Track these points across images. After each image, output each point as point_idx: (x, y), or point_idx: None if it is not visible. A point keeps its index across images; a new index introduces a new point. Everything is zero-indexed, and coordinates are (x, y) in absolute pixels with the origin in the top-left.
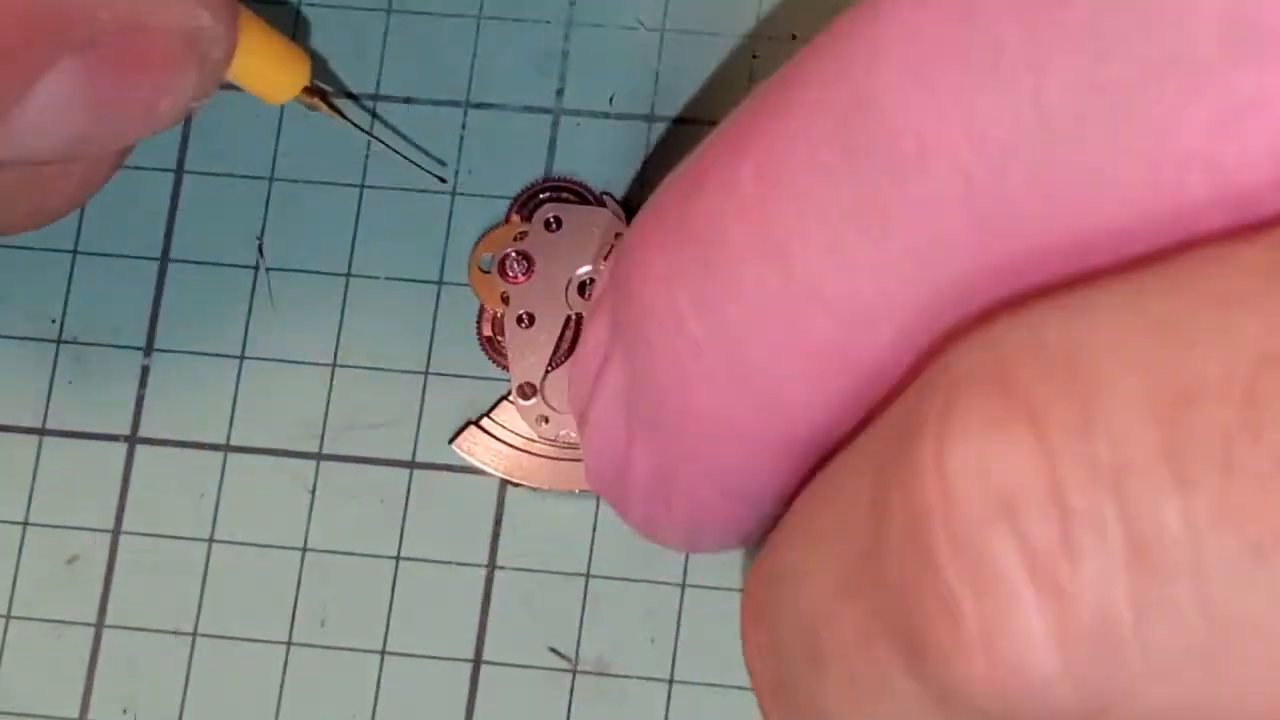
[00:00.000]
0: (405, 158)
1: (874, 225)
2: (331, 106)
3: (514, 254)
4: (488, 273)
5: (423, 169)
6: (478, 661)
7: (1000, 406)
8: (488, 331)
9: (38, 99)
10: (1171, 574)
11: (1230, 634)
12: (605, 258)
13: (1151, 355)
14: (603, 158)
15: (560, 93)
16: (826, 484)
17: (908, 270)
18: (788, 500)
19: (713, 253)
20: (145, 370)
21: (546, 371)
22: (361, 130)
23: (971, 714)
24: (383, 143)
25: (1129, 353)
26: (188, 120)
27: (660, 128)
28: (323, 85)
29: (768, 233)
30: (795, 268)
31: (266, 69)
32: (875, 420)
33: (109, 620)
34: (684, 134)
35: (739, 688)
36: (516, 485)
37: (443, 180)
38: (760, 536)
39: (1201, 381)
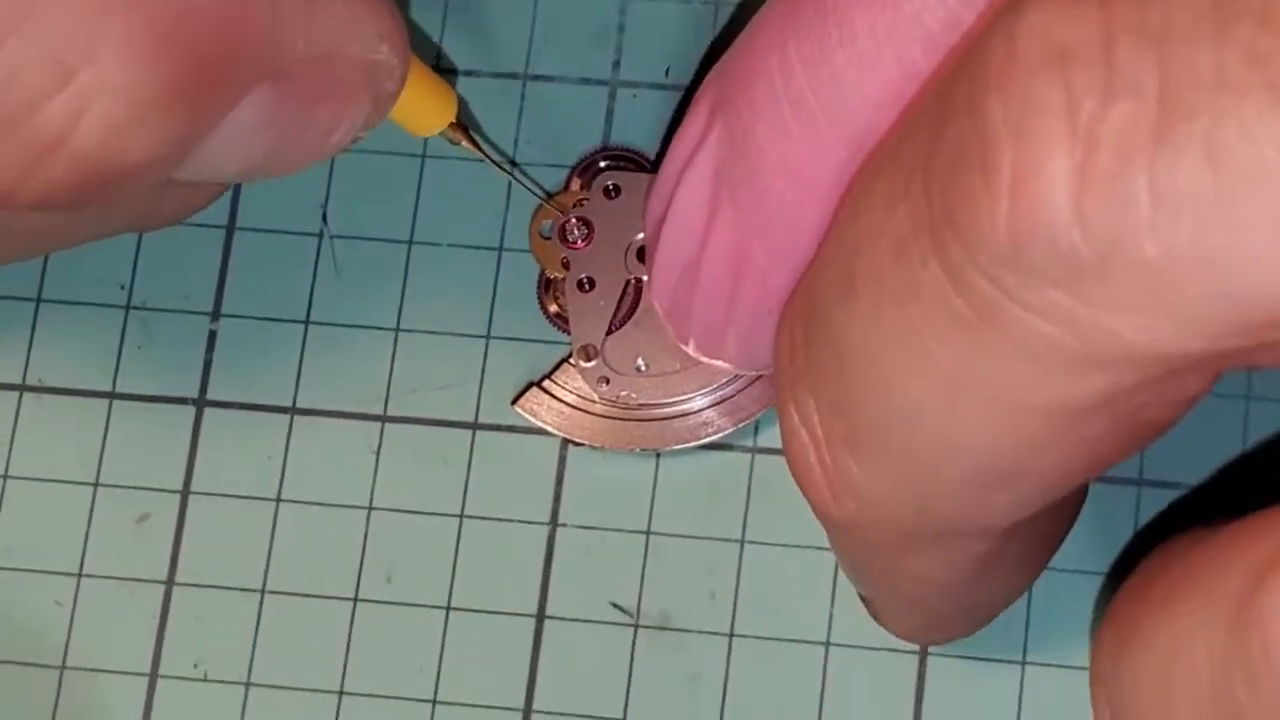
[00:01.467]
0: (540, 196)
1: None
2: (474, 142)
3: (575, 220)
4: (548, 239)
5: (548, 203)
6: (541, 617)
7: None
8: (548, 296)
9: (230, 124)
10: (1191, 119)
11: (1236, 180)
12: None
13: None
14: (659, 128)
15: (616, 65)
16: (892, 132)
17: None
18: None
19: (827, 6)
20: (213, 335)
21: (607, 334)
22: (502, 169)
23: (981, 278)
24: (523, 184)
25: None
26: None
27: None
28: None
29: None
30: (904, 7)
31: (419, 104)
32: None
33: (179, 578)
34: None
35: (799, 641)
36: (578, 444)
37: (550, 195)
38: None
39: None
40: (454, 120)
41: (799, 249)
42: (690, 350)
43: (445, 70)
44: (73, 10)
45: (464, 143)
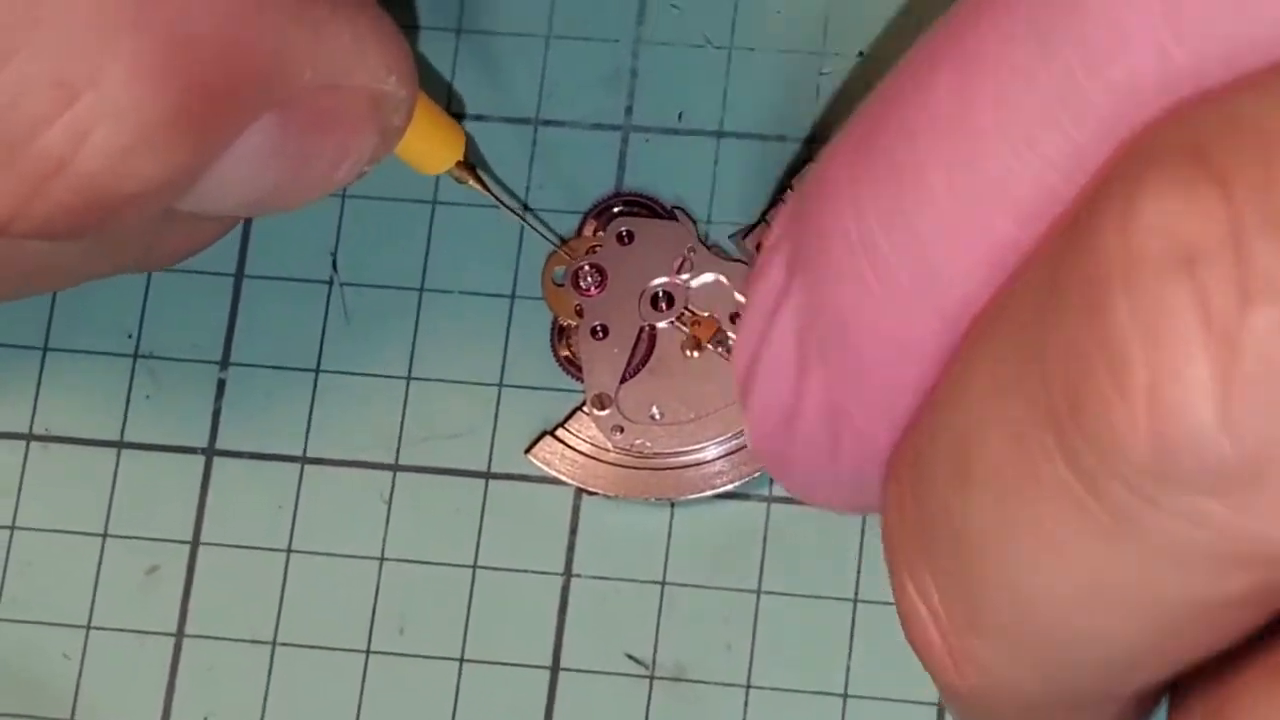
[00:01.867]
0: (549, 239)
1: (1067, 116)
2: (481, 182)
3: (588, 266)
4: (561, 285)
5: (559, 247)
6: (555, 668)
7: (1191, 171)
8: (561, 344)
9: (236, 153)
10: None
11: None
12: (678, 270)
13: None
14: (672, 173)
15: (629, 110)
16: (995, 306)
17: (1099, 155)
18: None
19: (902, 165)
20: (222, 384)
21: (621, 382)
22: (511, 210)
23: (1121, 486)
24: (532, 226)
25: None
26: None
27: (729, 143)
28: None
29: (959, 138)
30: (988, 169)
31: (426, 140)
32: (1050, 236)
33: (189, 630)
34: (753, 149)
35: (817, 693)
36: (592, 494)
37: (563, 240)
38: None
39: None
40: (461, 159)
41: (897, 410)
42: (797, 495)
43: (456, 114)
44: (78, 31)
45: (471, 182)
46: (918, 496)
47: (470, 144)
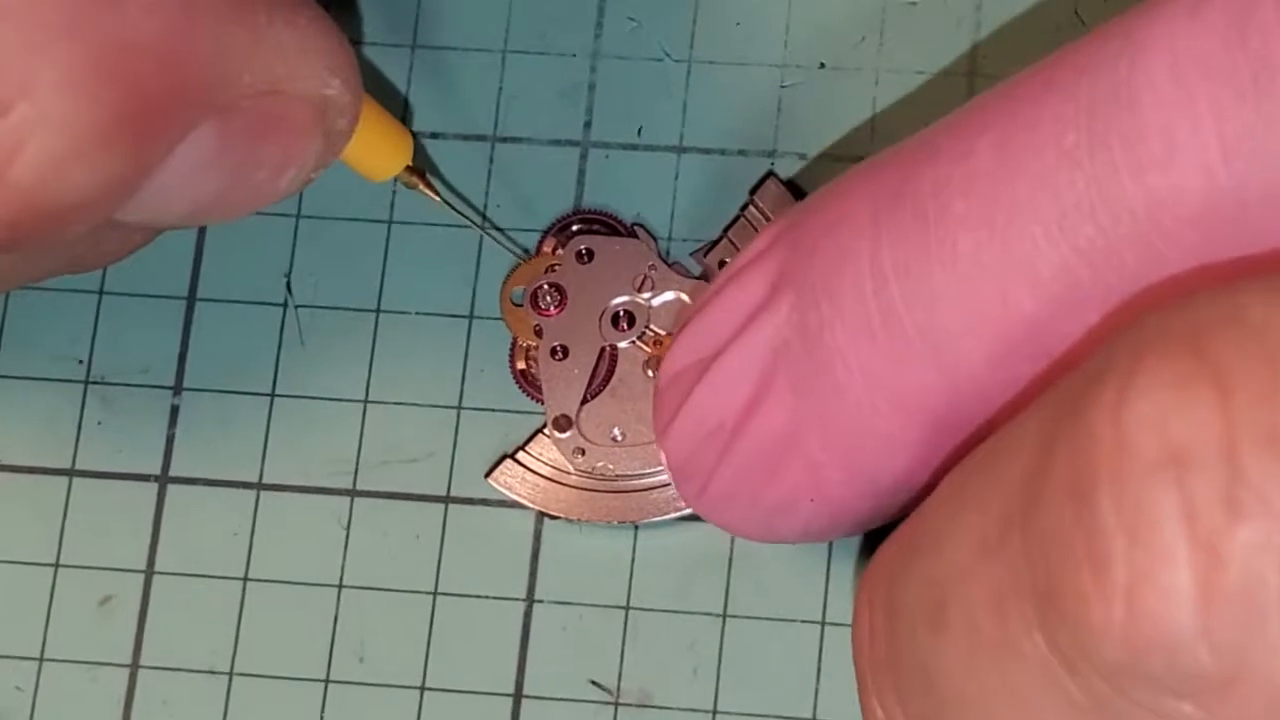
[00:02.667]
0: (500, 241)
1: (1104, 212)
2: (430, 186)
3: (546, 286)
4: (520, 305)
5: (510, 248)
6: (518, 696)
7: (1189, 366)
8: (521, 364)
9: (175, 162)
10: None
11: None
12: (639, 288)
13: None
14: (632, 189)
15: (588, 125)
16: (983, 453)
17: (1128, 263)
18: (908, 491)
19: (930, 218)
20: (175, 409)
21: (582, 403)
22: (460, 214)
23: (1096, 675)
24: (489, 234)
25: None
26: None
27: (690, 158)
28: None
29: (994, 206)
30: (1015, 244)
31: (374, 146)
32: (1048, 390)
33: (144, 660)
34: (713, 164)
35: (785, 718)
36: (554, 518)
37: (526, 252)
38: (837, 534)
39: None
40: (410, 163)
41: (866, 456)
42: (694, 509)
43: (411, 132)
44: (9, 41)
45: (421, 187)
46: (890, 626)
47: (427, 162)
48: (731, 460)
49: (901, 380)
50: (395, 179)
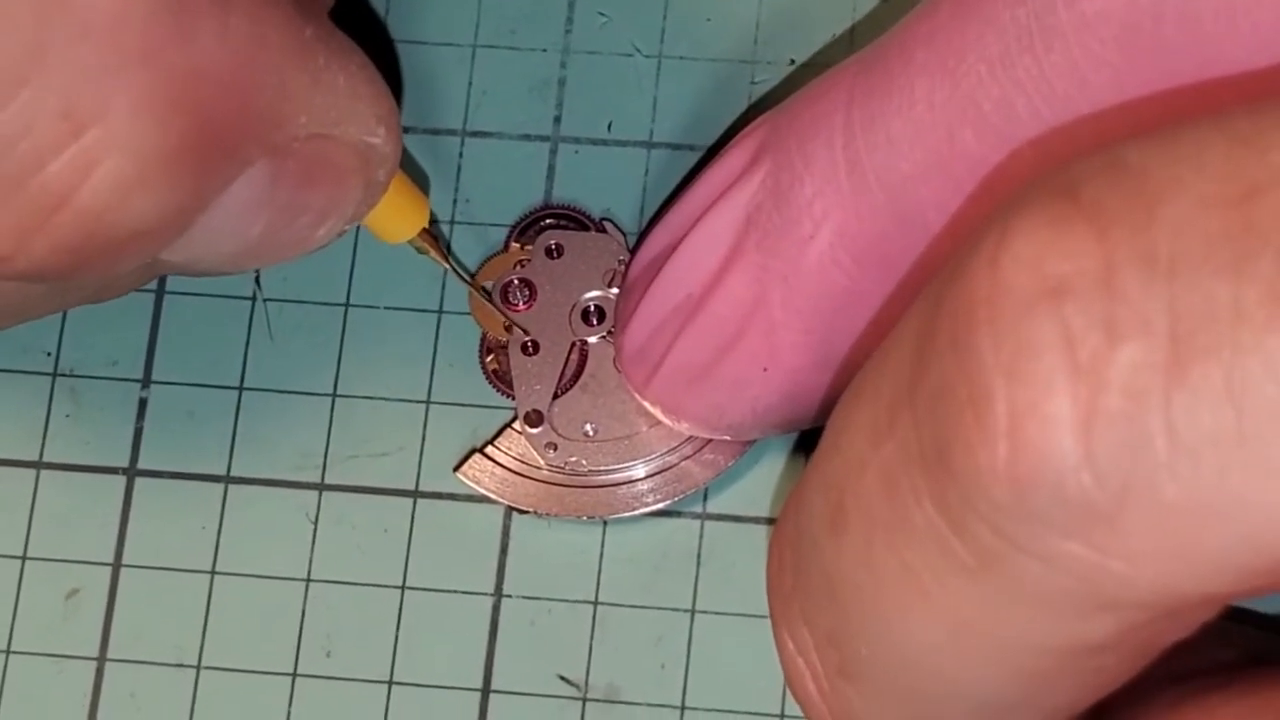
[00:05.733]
0: (503, 313)
1: (1040, 41)
2: (441, 253)
3: (516, 281)
4: (488, 294)
5: (517, 325)
6: (486, 690)
7: (1066, 208)
8: (490, 359)
9: (227, 199)
10: (1210, 357)
11: (1260, 419)
12: (609, 283)
13: (1225, 161)
14: (602, 184)
15: (558, 120)
16: (875, 355)
17: (1057, 90)
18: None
19: (894, 75)
20: (143, 402)
21: (553, 399)
22: (466, 281)
23: (984, 526)
24: (486, 298)
25: (1203, 161)
26: None
27: (659, 154)
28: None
29: (947, 52)
30: (963, 81)
31: (397, 206)
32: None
33: (111, 654)
34: (683, 159)
35: (752, 713)
36: (522, 512)
37: (527, 334)
38: (783, 420)
39: (1271, 176)
40: (426, 226)
41: (821, 310)
42: (644, 399)
43: None
44: (86, 64)
45: (433, 253)
46: (796, 547)
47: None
48: (691, 331)
49: (862, 231)
50: (409, 242)
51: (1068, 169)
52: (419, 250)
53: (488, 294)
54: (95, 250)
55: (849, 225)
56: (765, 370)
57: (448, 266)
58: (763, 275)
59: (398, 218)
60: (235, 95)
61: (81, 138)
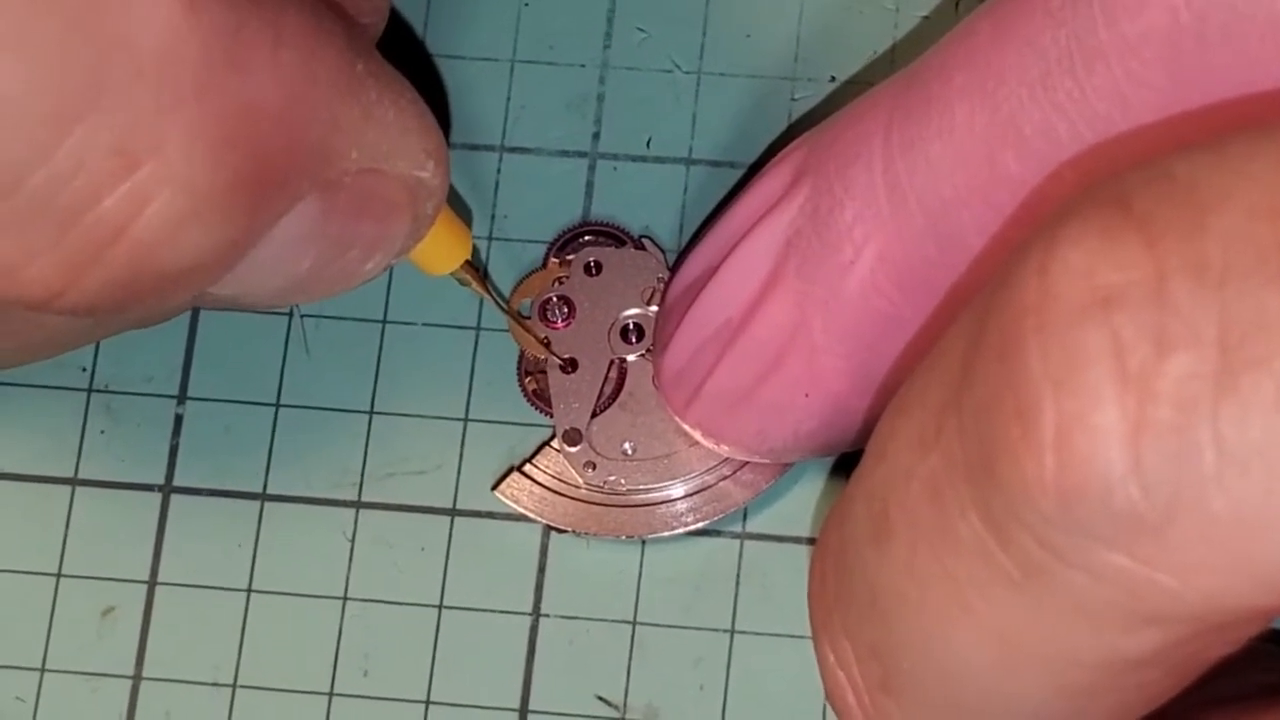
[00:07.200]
0: (539, 340)
1: (1081, 62)
2: (484, 286)
3: (555, 299)
4: (528, 318)
5: (552, 354)
6: (524, 710)
7: (1116, 218)
8: (528, 377)
9: (277, 233)
10: (1260, 367)
11: None
12: (648, 301)
13: (1274, 172)
14: (640, 200)
15: (596, 136)
16: (922, 365)
17: (1099, 111)
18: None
19: (933, 98)
20: (179, 419)
21: (592, 416)
22: (505, 310)
23: (1029, 538)
24: (526, 328)
25: (1251, 171)
26: None
27: (699, 170)
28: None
29: (986, 74)
30: (1003, 104)
31: (441, 239)
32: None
33: (146, 672)
34: (723, 176)
35: None
36: (561, 531)
37: (563, 361)
38: (826, 443)
39: None
40: (469, 259)
41: (862, 335)
42: (685, 422)
43: None
44: (140, 101)
45: (475, 286)
46: (839, 558)
47: None
48: (732, 355)
49: (904, 256)
50: (451, 274)
51: (1118, 180)
52: (461, 282)
53: (527, 322)
54: (146, 285)
55: (890, 250)
56: (806, 395)
57: (489, 297)
58: (803, 301)
59: (442, 250)
60: (287, 130)
61: (135, 174)
